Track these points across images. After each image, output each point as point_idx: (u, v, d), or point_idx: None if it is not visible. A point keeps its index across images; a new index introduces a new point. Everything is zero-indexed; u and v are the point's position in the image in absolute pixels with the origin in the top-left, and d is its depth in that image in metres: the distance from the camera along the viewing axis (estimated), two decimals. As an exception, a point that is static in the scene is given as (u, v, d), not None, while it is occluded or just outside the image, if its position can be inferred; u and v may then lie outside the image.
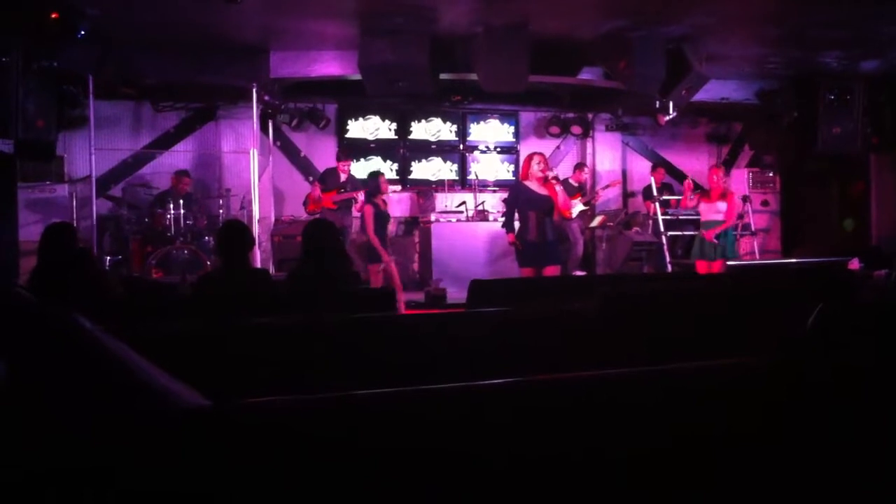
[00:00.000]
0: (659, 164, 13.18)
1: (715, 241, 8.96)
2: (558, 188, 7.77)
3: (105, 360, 1.80)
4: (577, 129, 13.36)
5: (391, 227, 12.14)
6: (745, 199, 12.85)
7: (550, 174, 7.82)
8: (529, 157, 7.97)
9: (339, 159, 11.12)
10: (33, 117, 8.43)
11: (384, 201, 9.11)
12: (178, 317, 4.39)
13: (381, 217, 8.89)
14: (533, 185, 7.79)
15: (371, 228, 8.73)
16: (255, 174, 10.43)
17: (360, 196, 10.45)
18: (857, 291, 5.13)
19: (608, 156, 13.69)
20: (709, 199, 9.13)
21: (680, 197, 10.08)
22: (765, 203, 13.33)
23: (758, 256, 12.62)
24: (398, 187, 12.63)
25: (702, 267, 9.13)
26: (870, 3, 8.34)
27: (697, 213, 10.00)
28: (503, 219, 8.40)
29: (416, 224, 12.27)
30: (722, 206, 8.99)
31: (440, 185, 12.77)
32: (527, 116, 13.50)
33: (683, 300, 4.24)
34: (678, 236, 11.83)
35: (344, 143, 12.49)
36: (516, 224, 7.94)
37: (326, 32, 9.40)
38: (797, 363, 2.16)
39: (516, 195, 8.02)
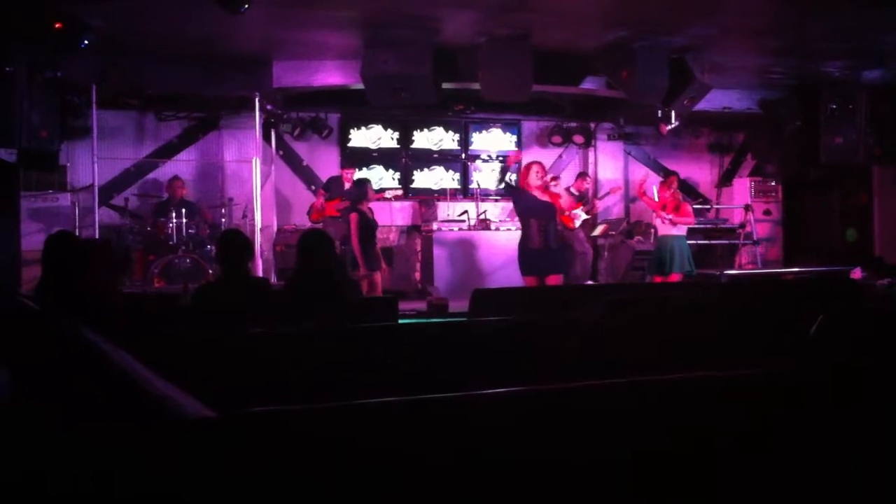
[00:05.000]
0: (668, 175, 13.18)
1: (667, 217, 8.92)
2: (556, 188, 7.83)
3: (108, 369, 1.80)
4: (579, 139, 13.36)
5: (392, 236, 12.15)
6: (747, 208, 12.85)
7: (549, 178, 7.87)
8: (528, 167, 7.97)
9: (343, 167, 11.13)
10: (37, 127, 8.45)
11: (370, 209, 9.08)
12: (180, 326, 4.39)
13: (367, 225, 8.86)
14: (535, 192, 7.80)
15: (355, 237, 8.68)
16: (257, 183, 10.44)
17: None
18: (861, 301, 5.13)
19: (610, 165, 13.68)
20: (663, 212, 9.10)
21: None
22: (767, 212, 13.32)
23: (760, 266, 12.60)
24: (399, 192, 12.62)
25: (660, 281, 9.10)
26: (872, 14, 8.35)
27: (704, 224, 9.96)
28: (510, 223, 8.43)
29: (418, 233, 12.27)
30: (676, 218, 8.98)
31: (442, 194, 12.76)
32: (529, 126, 13.51)
33: (685, 310, 4.23)
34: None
35: (346, 152, 12.50)
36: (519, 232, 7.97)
37: (329, 42, 9.42)
38: (800, 371, 2.16)
39: (519, 202, 8.02)
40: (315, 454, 1.62)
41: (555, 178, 7.96)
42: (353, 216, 8.73)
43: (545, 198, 7.77)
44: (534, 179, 7.79)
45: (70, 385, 1.66)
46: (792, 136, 11.52)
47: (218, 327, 4.21)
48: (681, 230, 8.98)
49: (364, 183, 9.18)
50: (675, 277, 8.87)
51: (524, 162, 13.07)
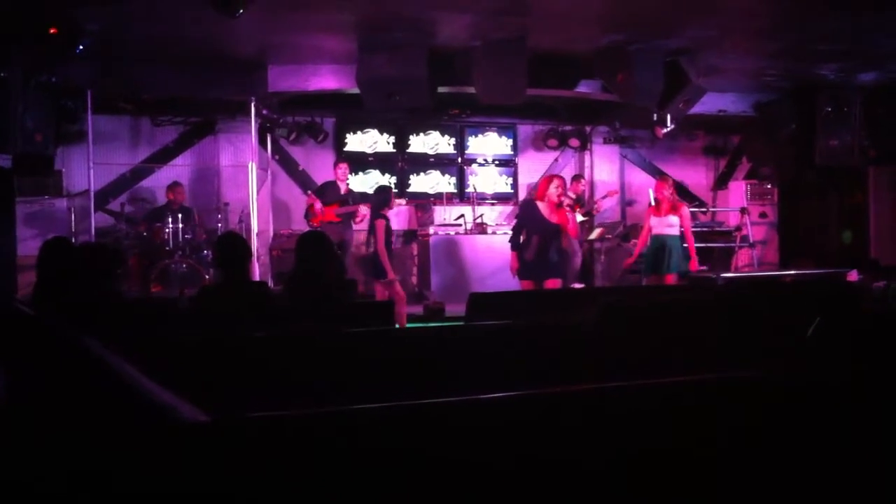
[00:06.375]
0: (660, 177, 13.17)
1: (699, 265, 8.86)
2: (570, 216, 7.69)
3: (103, 374, 1.79)
4: (574, 142, 13.37)
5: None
6: (742, 210, 12.87)
7: (566, 201, 7.72)
8: (549, 179, 7.80)
9: (336, 163, 11.13)
10: (32, 132, 8.44)
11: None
12: (178, 330, 4.38)
13: (390, 232, 8.78)
14: (544, 209, 7.67)
15: (382, 243, 8.57)
16: (253, 188, 10.44)
17: (362, 209, 10.46)
18: (857, 303, 5.14)
19: (606, 168, 13.70)
20: (658, 212, 9.02)
21: None
22: (763, 215, 13.35)
23: (756, 268, 12.62)
24: (403, 200, 12.63)
25: (654, 282, 9.04)
26: (867, 16, 8.37)
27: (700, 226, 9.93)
28: (510, 233, 8.28)
29: (415, 237, 12.27)
30: (674, 219, 8.91)
31: (438, 198, 12.78)
32: (525, 129, 13.51)
33: (682, 312, 4.23)
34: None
35: (342, 156, 12.49)
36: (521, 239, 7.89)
37: (324, 46, 9.42)
38: (796, 374, 2.16)
39: (525, 216, 7.93)
40: (310, 460, 1.61)
41: (570, 208, 7.76)
42: (381, 223, 8.55)
43: (554, 217, 7.66)
44: (552, 194, 7.68)
45: (65, 390, 1.65)
46: (787, 139, 11.53)
47: (219, 331, 4.20)
48: (674, 230, 8.96)
49: (386, 189, 9.14)
50: (671, 278, 8.85)
51: (520, 162, 13.26)
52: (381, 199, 8.87)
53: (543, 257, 7.63)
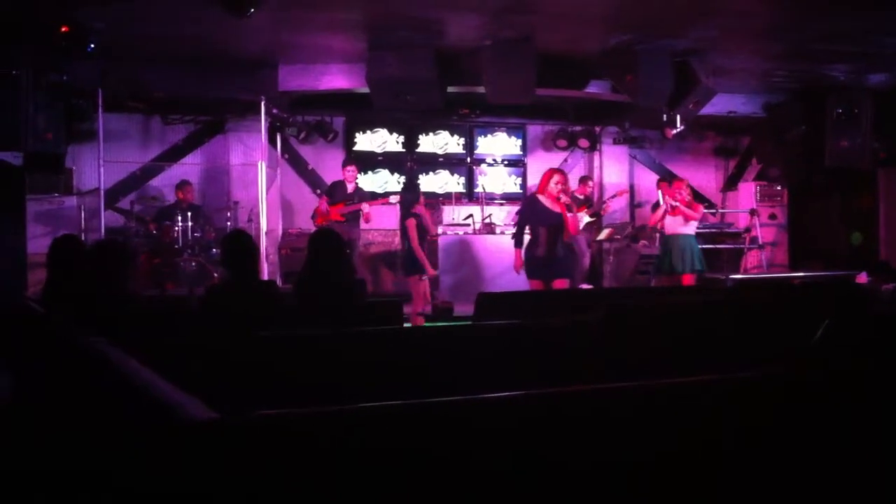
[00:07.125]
0: (665, 177, 13.14)
1: (673, 203, 8.88)
2: (570, 215, 7.69)
3: (111, 372, 1.80)
4: (584, 143, 13.33)
5: (397, 240, 12.17)
6: (752, 212, 12.83)
7: (564, 198, 7.70)
8: (549, 174, 7.83)
9: (344, 165, 11.14)
10: (43, 130, 8.48)
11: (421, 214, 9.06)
12: (187, 329, 4.40)
13: (423, 229, 8.86)
14: (546, 202, 7.70)
15: (416, 240, 8.64)
16: (262, 187, 10.45)
17: (366, 207, 10.47)
18: (866, 305, 5.12)
19: (615, 169, 13.67)
20: (674, 212, 9.05)
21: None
22: (772, 216, 13.30)
23: (765, 270, 12.58)
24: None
25: (668, 282, 9.00)
26: (874, 17, 8.33)
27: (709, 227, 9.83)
28: (514, 230, 8.30)
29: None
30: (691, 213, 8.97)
31: (447, 198, 12.76)
32: (534, 129, 13.50)
33: (691, 313, 4.23)
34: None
35: (352, 156, 12.52)
36: (526, 237, 7.88)
37: (334, 46, 9.44)
38: (804, 376, 2.16)
39: (528, 209, 7.94)
40: (319, 457, 1.62)
41: (568, 206, 7.73)
42: (411, 222, 8.67)
43: (556, 208, 7.67)
44: (552, 189, 7.70)
45: (73, 387, 1.66)
46: (797, 141, 11.49)
47: (227, 330, 4.21)
48: (689, 229, 8.95)
49: (415, 187, 9.21)
50: (688, 278, 8.81)
51: (529, 162, 13.24)
52: (410, 197, 8.94)
53: (552, 253, 7.64)
